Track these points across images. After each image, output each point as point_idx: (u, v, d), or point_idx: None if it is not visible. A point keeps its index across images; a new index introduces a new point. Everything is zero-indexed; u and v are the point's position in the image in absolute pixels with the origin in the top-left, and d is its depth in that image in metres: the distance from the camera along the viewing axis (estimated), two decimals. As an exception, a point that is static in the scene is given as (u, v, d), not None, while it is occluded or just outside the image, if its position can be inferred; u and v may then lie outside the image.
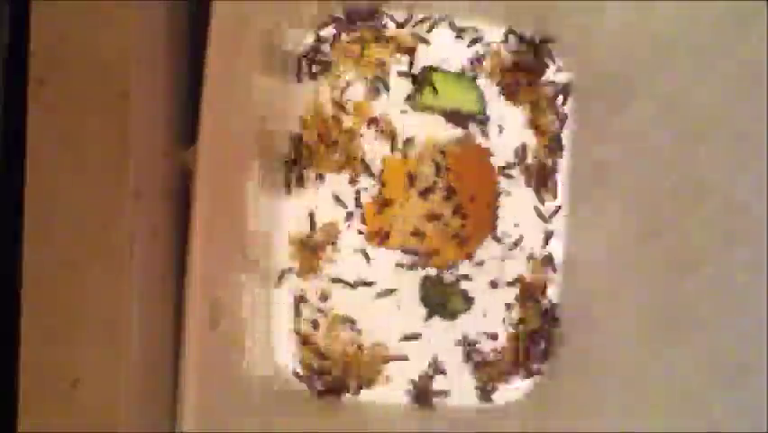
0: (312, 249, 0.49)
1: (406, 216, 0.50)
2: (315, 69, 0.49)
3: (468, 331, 0.50)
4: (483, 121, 0.51)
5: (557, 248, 0.51)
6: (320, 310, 0.49)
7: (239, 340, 0.45)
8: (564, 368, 0.50)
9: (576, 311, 0.50)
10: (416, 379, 0.50)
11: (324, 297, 0.50)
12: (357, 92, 0.50)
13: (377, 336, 0.50)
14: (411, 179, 0.50)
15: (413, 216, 0.50)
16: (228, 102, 0.40)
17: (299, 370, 0.49)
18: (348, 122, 0.50)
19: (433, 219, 0.50)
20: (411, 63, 0.50)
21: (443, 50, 0.50)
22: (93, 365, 0.34)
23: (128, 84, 0.35)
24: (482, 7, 0.50)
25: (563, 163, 0.51)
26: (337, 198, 0.50)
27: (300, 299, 0.49)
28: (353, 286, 0.50)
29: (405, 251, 0.50)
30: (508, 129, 0.51)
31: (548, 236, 0.51)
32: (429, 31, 0.50)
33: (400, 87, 0.50)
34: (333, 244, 0.50)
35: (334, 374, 0.50)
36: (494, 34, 0.51)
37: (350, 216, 0.50)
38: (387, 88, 0.50)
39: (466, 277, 0.50)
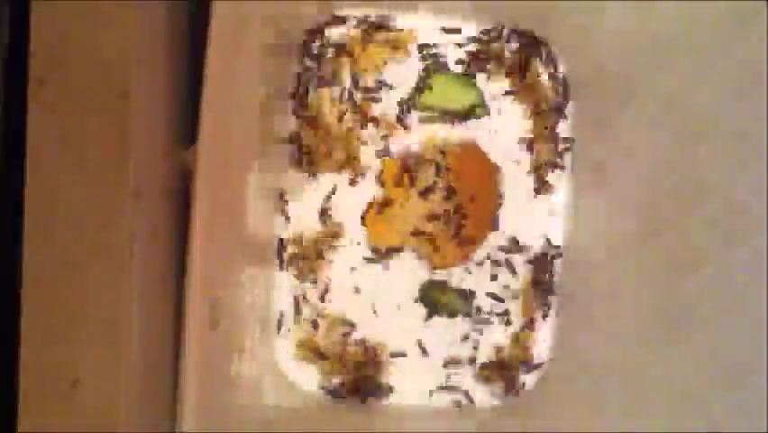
0: (312, 249, 0.49)
1: (406, 216, 0.50)
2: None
3: (468, 331, 0.50)
4: (483, 121, 0.51)
5: (557, 248, 0.51)
6: (320, 311, 0.50)
7: (239, 340, 0.45)
8: (564, 368, 0.50)
9: (576, 311, 0.50)
10: (416, 378, 0.50)
11: (324, 297, 0.50)
12: (357, 92, 0.50)
13: (377, 337, 0.50)
14: (411, 179, 0.50)
15: (413, 216, 0.50)
16: (228, 102, 0.40)
17: (299, 370, 0.49)
18: (348, 122, 0.50)
19: (433, 219, 0.50)
20: (411, 63, 0.50)
21: (444, 49, 0.50)
22: (93, 365, 0.34)
23: (128, 84, 0.35)
24: (483, 7, 0.50)
25: (563, 163, 0.51)
26: (337, 198, 0.50)
27: (300, 300, 0.49)
28: (353, 286, 0.50)
29: (405, 251, 0.50)
30: (508, 129, 0.51)
31: (548, 236, 0.51)
32: (430, 30, 0.50)
33: (400, 86, 0.50)
34: (333, 244, 0.50)
35: (334, 375, 0.50)
36: (494, 34, 0.51)
37: (350, 216, 0.50)
38: (387, 88, 0.50)
39: (466, 277, 0.50)
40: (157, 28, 0.39)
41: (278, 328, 0.49)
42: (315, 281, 0.50)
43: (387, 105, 0.50)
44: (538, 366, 0.51)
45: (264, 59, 0.46)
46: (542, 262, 0.51)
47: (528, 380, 0.51)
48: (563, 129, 0.51)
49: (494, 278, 0.51)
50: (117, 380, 0.35)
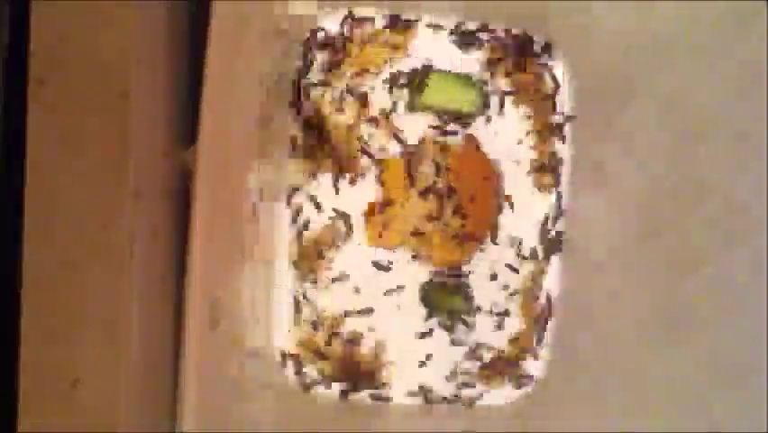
0: (312, 249, 0.50)
1: (406, 216, 0.50)
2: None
3: (468, 331, 0.50)
4: (483, 121, 0.51)
5: (557, 248, 0.51)
6: (320, 311, 0.49)
7: (239, 340, 0.45)
8: (564, 368, 0.50)
9: (576, 311, 0.50)
10: (416, 379, 0.50)
11: (325, 297, 0.50)
12: (356, 92, 0.50)
13: (377, 337, 0.50)
14: (411, 179, 0.50)
15: (413, 216, 0.50)
16: (228, 102, 0.40)
17: (300, 371, 0.49)
18: (347, 122, 0.50)
19: (433, 219, 0.50)
20: (411, 63, 0.50)
21: (443, 49, 0.50)
22: (93, 365, 0.34)
23: (128, 84, 0.35)
24: (482, 7, 0.50)
25: (563, 163, 0.51)
26: (337, 199, 0.50)
27: (300, 300, 0.49)
28: (353, 286, 0.50)
29: (405, 251, 0.50)
30: (508, 129, 0.51)
31: (548, 236, 0.51)
32: (429, 30, 0.50)
33: (400, 86, 0.50)
34: (332, 244, 0.50)
35: (335, 375, 0.50)
36: (494, 34, 0.51)
37: (349, 216, 0.50)
38: (386, 88, 0.50)
39: (466, 277, 0.50)
40: (157, 28, 0.39)
41: (278, 329, 0.49)
42: (315, 281, 0.50)
43: (386, 105, 0.50)
44: (538, 366, 0.51)
45: (264, 59, 0.46)
46: (541, 262, 0.51)
47: (528, 380, 0.51)
48: (563, 129, 0.51)
49: (494, 278, 0.51)
50: (117, 380, 0.35)
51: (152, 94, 0.38)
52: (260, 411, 0.46)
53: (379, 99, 0.50)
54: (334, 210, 0.50)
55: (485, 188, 0.51)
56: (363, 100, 0.50)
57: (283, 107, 0.49)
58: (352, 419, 0.49)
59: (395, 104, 0.50)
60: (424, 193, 0.50)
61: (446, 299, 0.50)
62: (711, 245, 0.43)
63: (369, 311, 0.50)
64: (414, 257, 0.50)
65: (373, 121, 0.50)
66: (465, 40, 0.51)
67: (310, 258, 0.49)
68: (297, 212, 0.50)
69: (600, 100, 0.49)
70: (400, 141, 0.50)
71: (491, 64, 0.51)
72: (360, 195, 0.50)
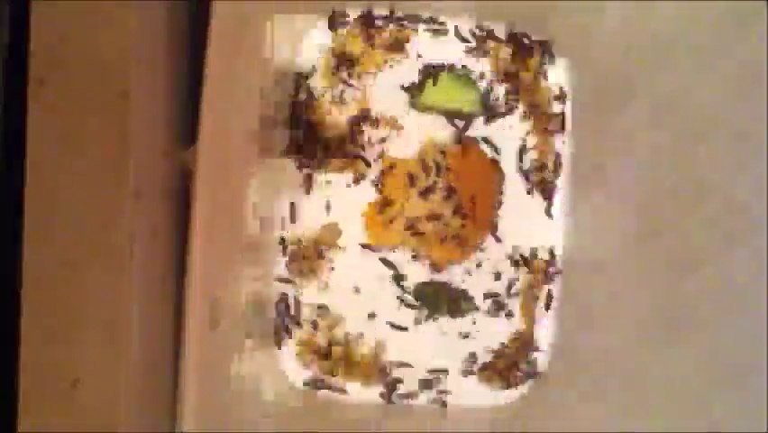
0: (312, 249, 0.49)
1: (406, 216, 0.50)
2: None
3: (468, 331, 0.50)
4: (483, 121, 0.51)
5: (557, 248, 0.51)
6: (320, 311, 0.49)
7: (239, 340, 0.45)
8: (564, 368, 0.50)
9: (576, 311, 0.50)
10: (416, 379, 0.50)
11: (324, 297, 0.50)
12: (356, 92, 0.50)
13: (377, 337, 0.50)
14: (411, 179, 0.50)
15: (413, 216, 0.50)
16: (228, 102, 0.40)
17: (299, 370, 0.49)
18: (348, 122, 0.50)
19: (433, 219, 0.50)
20: (411, 63, 0.50)
21: (443, 49, 0.50)
22: (93, 365, 0.34)
23: (128, 84, 0.35)
24: (482, 7, 0.50)
25: (563, 163, 0.51)
26: (337, 198, 0.50)
27: (300, 300, 0.49)
28: (353, 286, 0.50)
29: (405, 251, 0.50)
30: (508, 129, 0.51)
31: (548, 236, 0.51)
32: (429, 30, 0.50)
33: (400, 86, 0.50)
34: (333, 244, 0.50)
35: (335, 375, 0.50)
36: (494, 34, 0.51)
37: (350, 216, 0.50)
38: (387, 88, 0.50)
39: (466, 277, 0.50)
40: (157, 28, 0.39)
41: (278, 328, 0.49)
42: (314, 281, 0.50)
43: (387, 105, 0.50)
44: (538, 366, 0.51)
45: (264, 59, 0.46)
46: (541, 262, 0.51)
47: (528, 380, 0.51)
48: (563, 129, 0.51)
49: (494, 277, 0.51)
50: (117, 380, 0.35)
51: (152, 94, 0.38)
52: (261, 411, 0.46)
53: (380, 99, 0.50)
54: (335, 210, 0.50)
55: (485, 188, 0.51)
56: (364, 100, 0.50)
57: (283, 107, 0.49)
58: (352, 418, 0.49)
59: (395, 104, 0.50)
60: (424, 193, 0.50)
61: (446, 298, 0.50)
62: (711, 245, 0.43)
63: (369, 311, 0.50)
64: (414, 257, 0.50)
65: (373, 121, 0.50)
66: (465, 40, 0.51)
67: (310, 258, 0.49)
68: (298, 212, 0.50)
69: (600, 100, 0.49)
70: (400, 141, 0.50)
71: (492, 64, 0.51)
72: (360, 195, 0.50)
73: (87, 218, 0.34)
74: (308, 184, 0.49)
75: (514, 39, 0.51)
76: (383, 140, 0.50)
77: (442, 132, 0.50)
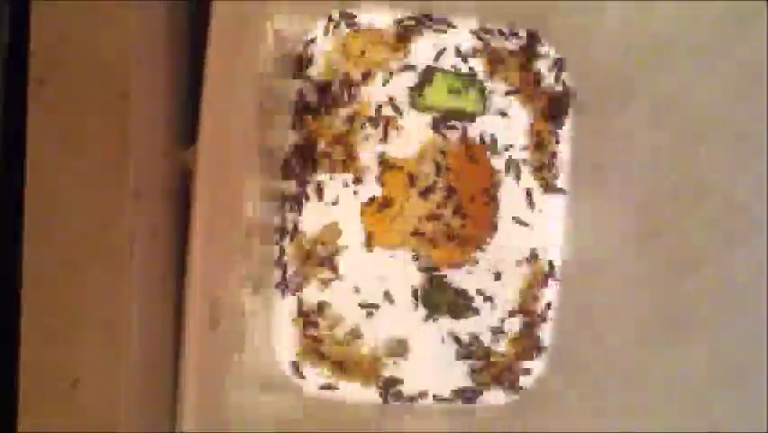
0: (312, 249, 0.49)
1: (406, 216, 0.50)
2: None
3: (468, 331, 0.50)
4: (484, 120, 0.51)
5: (557, 248, 0.51)
6: (320, 311, 0.49)
7: (239, 340, 0.45)
8: (564, 368, 0.50)
9: (576, 311, 0.50)
10: (416, 379, 0.50)
11: (324, 297, 0.50)
12: (357, 92, 0.50)
13: (377, 337, 0.50)
14: (411, 179, 0.50)
15: (413, 216, 0.50)
16: (228, 102, 0.40)
17: (299, 370, 0.49)
18: (348, 122, 0.50)
19: (433, 219, 0.50)
20: (411, 63, 0.50)
21: (444, 49, 0.50)
22: (93, 365, 0.34)
23: (128, 84, 0.35)
24: (482, 7, 0.50)
25: (563, 163, 0.51)
26: (337, 199, 0.50)
27: (300, 300, 0.49)
28: (353, 286, 0.50)
29: (405, 251, 0.50)
30: (508, 129, 0.51)
31: (548, 236, 0.51)
32: (430, 30, 0.50)
33: (400, 86, 0.50)
34: (333, 244, 0.50)
35: (335, 375, 0.50)
36: (494, 34, 0.51)
37: (350, 216, 0.50)
38: (387, 88, 0.50)
39: (466, 277, 0.50)
40: (157, 28, 0.39)
41: (278, 328, 0.49)
42: (314, 281, 0.50)
43: (387, 105, 0.50)
44: (538, 366, 0.51)
45: (264, 59, 0.46)
46: (542, 262, 0.51)
47: (528, 380, 0.51)
48: (563, 129, 0.51)
49: (494, 277, 0.51)
50: (117, 380, 0.35)
51: (152, 94, 0.38)
52: (261, 411, 0.46)
53: (380, 99, 0.50)
54: (335, 210, 0.50)
55: (485, 188, 0.51)
56: (364, 100, 0.50)
57: (283, 107, 0.49)
58: (352, 418, 0.49)
59: (396, 104, 0.50)
60: (424, 193, 0.50)
61: (446, 298, 0.50)
62: (711, 245, 0.43)
63: (369, 311, 0.50)
64: (414, 257, 0.50)
65: (374, 121, 0.50)
66: (466, 40, 0.51)
67: (310, 258, 0.49)
68: (297, 212, 0.50)
69: (600, 100, 0.49)
70: (401, 141, 0.50)
71: (492, 64, 0.51)
72: (360, 195, 0.50)
73: (87, 218, 0.34)
74: (308, 184, 0.49)
75: (514, 39, 0.51)
76: (383, 140, 0.50)
77: (442, 131, 0.50)
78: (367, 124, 0.50)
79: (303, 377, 0.49)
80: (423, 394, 0.50)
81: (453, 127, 0.51)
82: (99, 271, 0.34)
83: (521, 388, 0.51)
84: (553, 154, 0.51)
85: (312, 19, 0.49)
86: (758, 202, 0.41)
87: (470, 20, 0.50)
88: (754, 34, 0.41)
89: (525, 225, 0.51)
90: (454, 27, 0.50)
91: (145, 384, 0.37)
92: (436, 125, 0.50)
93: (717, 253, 0.43)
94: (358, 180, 0.50)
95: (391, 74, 0.50)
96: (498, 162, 0.51)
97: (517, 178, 0.51)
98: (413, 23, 0.50)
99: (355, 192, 0.50)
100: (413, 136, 0.50)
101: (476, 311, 0.50)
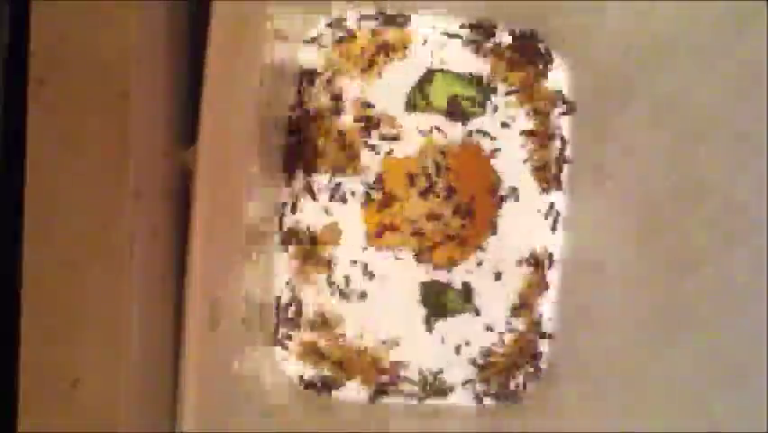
0: (312, 249, 0.49)
1: (406, 216, 0.50)
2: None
3: (467, 331, 0.50)
4: (484, 120, 0.51)
5: (557, 248, 0.51)
6: (320, 311, 0.49)
7: (239, 340, 0.45)
8: (564, 368, 0.50)
9: (576, 311, 0.50)
10: (416, 379, 0.50)
11: (324, 297, 0.50)
12: (357, 92, 0.50)
13: (377, 337, 0.50)
14: (411, 179, 0.50)
15: (413, 216, 0.50)
16: (228, 102, 0.40)
17: (299, 370, 0.49)
18: (348, 122, 0.50)
19: (433, 219, 0.50)
20: (411, 63, 0.50)
21: (444, 49, 0.50)
22: (93, 365, 0.34)
23: (128, 84, 0.35)
24: (482, 7, 0.50)
25: (563, 163, 0.51)
26: (337, 199, 0.50)
27: (300, 300, 0.49)
28: (353, 287, 0.50)
29: (405, 251, 0.50)
30: (508, 129, 0.51)
31: (548, 236, 0.51)
32: (430, 31, 0.50)
33: (400, 86, 0.50)
34: (333, 244, 0.50)
35: (334, 375, 0.50)
36: (494, 34, 0.51)
37: (350, 216, 0.50)
38: (387, 88, 0.50)
39: (466, 277, 0.50)
40: (157, 28, 0.39)
41: (278, 328, 0.49)
42: (315, 282, 0.50)
43: (387, 105, 0.50)
44: (538, 366, 0.51)
45: (264, 59, 0.46)
46: (542, 262, 0.51)
47: (528, 380, 0.51)
48: (563, 129, 0.51)
49: (494, 277, 0.51)
50: (117, 380, 0.35)
51: (152, 94, 0.38)
52: (260, 411, 0.46)
53: (380, 99, 0.50)
54: (334, 210, 0.50)
55: (485, 188, 0.51)
56: (364, 100, 0.50)
57: (283, 107, 0.49)
58: (352, 418, 0.49)
59: (395, 104, 0.50)
60: (424, 193, 0.50)
61: (446, 298, 0.50)
62: (711, 245, 0.43)
63: (369, 311, 0.50)
64: (414, 257, 0.50)
65: (374, 120, 0.50)
66: (466, 40, 0.51)
67: (310, 258, 0.49)
68: (298, 212, 0.50)
69: (600, 100, 0.49)
70: (401, 141, 0.50)
71: (492, 64, 0.51)
72: (360, 195, 0.50)
73: (87, 218, 0.34)
74: (309, 184, 0.49)
75: (514, 39, 0.51)
76: (383, 139, 0.50)
77: (442, 131, 0.50)
78: (367, 125, 0.50)
79: (303, 377, 0.49)
80: (423, 394, 0.50)
81: (453, 127, 0.51)
82: (99, 271, 0.34)
83: (521, 388, 0.51)
84: (553, 154, 0.51)
85: (312, 19, 0.49)
86: (758, 202, 0.41)
87: (470, 20, 0.50)
88: (754, 34, 0.41)
89: (525, 224, 0.51)
90: (455, 27, 0.50)
91: (145, 384, 0.37)
92: (436, 125, 0.50)
93: (717, 253, 0.43)
94: (358, 180, 0.50)
95: (391, 74, 0.50)
96: (497, 162, 0.51)
97: (517, 178, 0.51)
98: (413, 23, 0.50)
99: (355, 192, 0.50)
100: (413, 136, 0.50)
101: (476, 311, 0.50)
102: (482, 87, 0.51)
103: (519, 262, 0.51)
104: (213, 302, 0.40)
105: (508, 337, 0.51)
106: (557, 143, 0.51)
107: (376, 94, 0.50)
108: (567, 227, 0.51)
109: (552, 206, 0.51)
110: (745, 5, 0.41)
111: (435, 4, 0.50)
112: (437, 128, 0.50)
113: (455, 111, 0.50)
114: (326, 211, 0.50)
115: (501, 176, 0.51)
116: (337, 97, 0.50)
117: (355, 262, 0.50)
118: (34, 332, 0.34)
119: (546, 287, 0.51)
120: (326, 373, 0.50)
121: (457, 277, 0.51)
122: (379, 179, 0.50)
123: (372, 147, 0.50)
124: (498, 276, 0.51)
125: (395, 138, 0.50)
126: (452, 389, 0.50)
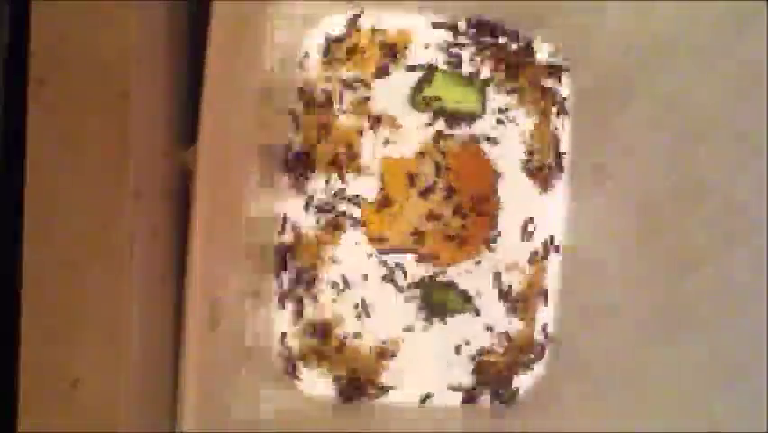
0: (312, 249, 0.49)
1: (406, 216, 0.50)
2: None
3: (467, 331, 0.50)
4: (483, 120, 0.51)
5: (557, 248, 0.51)
6: (320, 311, 0.49)
7: (239, 340, 0.45)
8: (564, 368, 0.50)
9: (576, 311, 0.50)
10: (416, 379, 0.50)
11: (325, 297, 0.50)
12: (356, 91, 0.50)
13: (376, 337, 0.50)
14: (411, 179, 0.50)
15: (413, 216, 0.50)
16: (228, 102, 0.40)
17: (299, 371, 0.49)
18: (348, 122, 0.50)
19: (433, 219, 0.50)
20: (411, 63, 0.50)
21: (444, 49, 0.50)
22: (93, 365, 0.34)
23: (128, 84, 0.35)
24: (482, 7, 0.50)
25: (563, 163, 0.51)
26: (337, 199, 0.50)
27: (300, 300, 0.49)
28: (353, 287, 0.50)
29: (404, 251, 0.50)
30: (508, 129, 0.51)
31: (548, 236, 0.51)
32: (430, 30, 0.50)
33: (400, 86, 0.50)
34: (332, 244, 0.50)
35: (334, 375, 0.50)
36: (495, 33, 0.51)
37: (350, 216, 0.50)
38: (386, 88, 0.50)
39: (466, 277, 0.50)
40: (157, 28, 0.39)
41: (278, 329, 0.49)
42: (314, 281, 0.50)
43: (387, 105, 0.50)
44: (538, 366, 0.51)
45: (264, 59, 0.46)
46: (542, 262, 0.51)
47: (528, 380, 0.51)
48: (563, 129, 0.51)
49: (494, 277, 0.51)
50: (117, 380, 0.35)
51: (152, 94, 0.38)
52: (261, 411, 0.46)
53: (380, 99, 0.50)
54: (334, 210, 0.50)
55: (485, 188, 0.51)
56: (364, 100, 0.50)
57: (283, 107, 0.49)
58: (352, 420, 0.49)
59: (395, 104, 0.50)
60: (424, 193, 0.50)
61: (446, 299, 0.50)
62: (711, 245, 0.43)
63: (368, 312, 0.50)
64: (414, 257, 0.50)
65: (374, 121, 0.50)
66: (466, 40, 0.51)
67: (310, 258, 0.49)
68: (297, 212, 0.50)
69: (600, 100, 0.49)
70: (401, 141, 0.50)
71: (492, 64, 0.51)
72: (360, 195, 0.50)
73: (87, 218, 0.34)
74: (309, 184, 0.49)
75: (514, 39, 0.51)
76: (383, 139, 0.50)
77: (442, 132, 0.50)
78: (367, 124, 0.50)
79: (302, 378, 0.49)
80: (423, 395, 0.50)
81: (453, 127, 0.51)
82: (99, 271, 0.34)
83: (521, 388, 0.51)
84: (553, 154, 0.51)
85: (312, 19, 0.49)
86: (758, 202, 0.41)
87: (470, 19, 0.50)
88: (754, 34, 0.41)
89: (525, 225, 0.51)
90: (454, 27, 0.50)
91: (145, 384, 0.37)
92: (436, 125, 0.50)
93: (717, 253, 0.43)
94: (358, 180, 0.50)
95: (391, 74, 0.50)
96: (497, 162, 0.51)
97: (517, 177, 0.51)
98: (413, 23, 0.50)
99: (355, 192, 0.50)
100: (413, 136, 0.50)
101: (476, 311, 0.50)
102: (482, 87, 0.51)
103: (519, 262, 0.51)
104: (213, 302, 0.40)
105: (508, 337, 0.51)
106: (557, 143, 0.51)
107: (376, 94, 0.50)
108: (567, 227, 0.51)
109: (551, 205, 0.51)
110: (745, 5, 0.41)
111: (436, 4, 0.50)
112: (437, 128, 0.50)
113: (455, 111, 0.50)
114: (326, 211, 0.50)
115: (501, 176, 0.51)
116: (337, 97, 0.50)
117: (355, 261, 0.50)
118: (34, 332, 0.34)
119: (546, 287, 0.51)
120: (326, 372, 0.50)
121: (457, 277, 0.50)
122: (379, 179, 0.50)
123: (372, 147, 0.50)
124: (497, 276, 0.51)
125: (395, 138, 0.50)
126: (451, 389, 0.50)
